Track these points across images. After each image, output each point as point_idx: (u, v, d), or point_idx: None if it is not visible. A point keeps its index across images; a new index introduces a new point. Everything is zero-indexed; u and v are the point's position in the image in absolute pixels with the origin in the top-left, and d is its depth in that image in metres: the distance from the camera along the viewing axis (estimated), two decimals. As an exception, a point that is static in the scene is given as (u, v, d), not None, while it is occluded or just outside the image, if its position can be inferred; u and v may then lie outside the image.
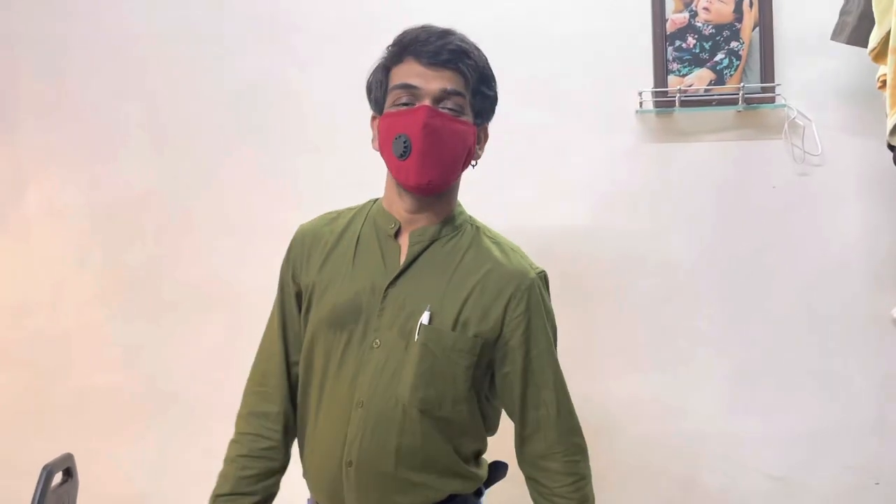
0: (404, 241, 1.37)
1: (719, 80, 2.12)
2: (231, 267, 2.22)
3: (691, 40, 2.13)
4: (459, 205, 1.44)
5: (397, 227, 1.38)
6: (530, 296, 1.34)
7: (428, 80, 1.29)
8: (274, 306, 1.47)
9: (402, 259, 1.35)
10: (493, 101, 1.38)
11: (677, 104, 2.11)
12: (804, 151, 2.13)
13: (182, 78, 2.25)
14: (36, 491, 1.65)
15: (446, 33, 1.32)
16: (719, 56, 2.12)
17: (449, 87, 1.29)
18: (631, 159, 2.18)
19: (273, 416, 1.41)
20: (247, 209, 2.23)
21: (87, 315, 2.28)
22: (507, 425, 1.48)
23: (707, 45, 2.13)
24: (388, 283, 1.33)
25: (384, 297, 1.33)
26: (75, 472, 1.81)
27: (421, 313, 1.30)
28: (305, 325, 1.40)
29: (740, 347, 2.16)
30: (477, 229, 1.41)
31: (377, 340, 1.32)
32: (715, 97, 2.12)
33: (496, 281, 1.34)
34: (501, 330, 1.33)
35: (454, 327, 1.30)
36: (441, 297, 1.32)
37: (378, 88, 1.37)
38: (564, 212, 2.17)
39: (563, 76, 2.18)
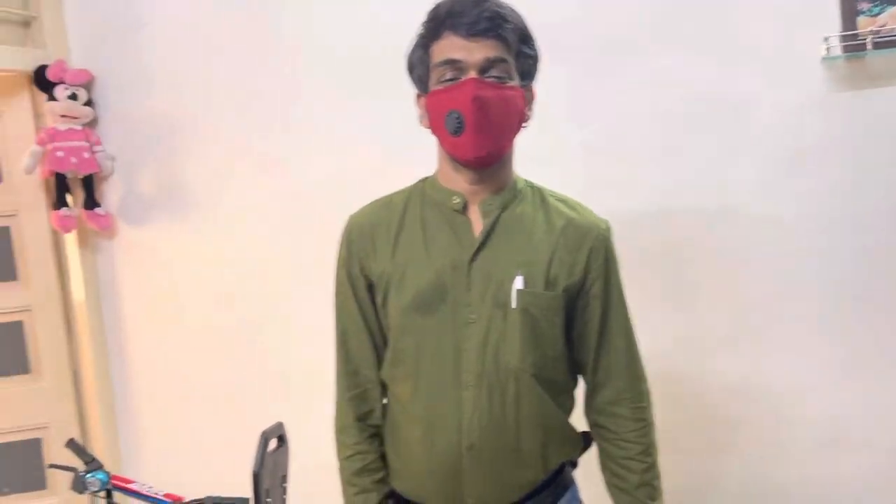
0: (473, 213, 1.36)
1: (918, 15, 1.93)
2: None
3: (882, -25, 1.96)
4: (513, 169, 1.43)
5: (463, 201, 1.36)
6: (607, 247, 1.39)
7: (471, 52, 1.26)
8: (339, 312, 1.47)
9: (475, 231, 1.35)
10: (535, 60, 1.36)
11: (869, 46, 1.95)
12: None
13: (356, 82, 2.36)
14: (257, 453, 1.83)
15: (478, 2, 1.27)
16: (917, -11, 1.93)
17: (492, 55, 1.27)
18: (819, 112, 2.04)
19: (377, 410, 1.47)
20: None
21: (282, 301, 2.46)
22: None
23: (901, -22, 1.94)
24: (469, 257, 1.33)
25: (469, 271, 1.32)
26: (287, 439, 1.99)
27: (511, 280, 1.31)
28: (385, 317, 1.40)
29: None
30: (539, 190, 1.42)
31: (472, 315, 1.31)
32: (914, 34, 1.93)
33: (574, 235, 1.36)
34: (584, 281, 1.36)
35: (546, 287, 1.32)
36: (527, 260, 1.33)
37: (420, 66, 1.34)
38: (744, 172, 2.07)
39: (737, 24, 2.06)
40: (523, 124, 1.37)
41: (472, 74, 1.26)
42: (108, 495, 1.93)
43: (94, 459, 1.94)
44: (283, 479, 1.99)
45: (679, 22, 2.09)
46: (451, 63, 1.27)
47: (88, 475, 1.90)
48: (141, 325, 2.57)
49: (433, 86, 1.31)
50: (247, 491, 1.81)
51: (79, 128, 2.45)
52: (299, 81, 2.38)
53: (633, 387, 1.40)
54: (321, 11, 2.33)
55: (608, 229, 1.41)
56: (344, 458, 1.51)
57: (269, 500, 1.87)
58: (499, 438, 1.31)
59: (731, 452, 2.14)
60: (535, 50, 1.36)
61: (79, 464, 1.94)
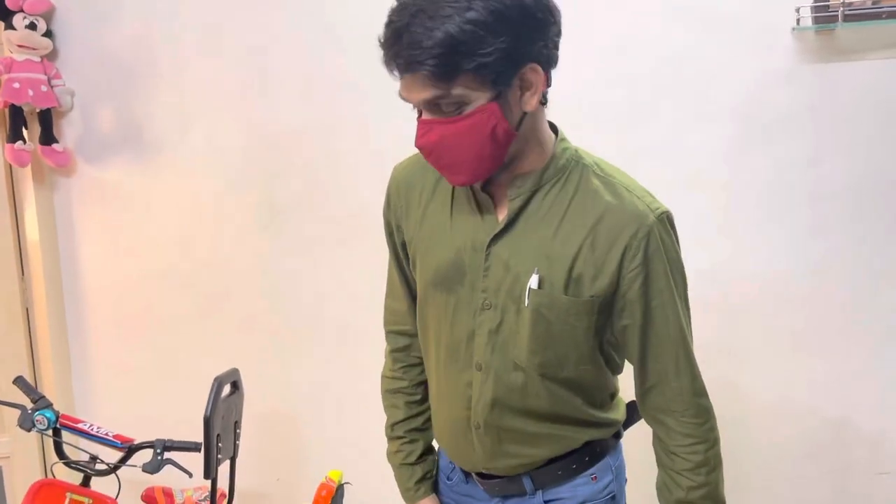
0: (501, 192, 1.22)
1: (890, -10, 1.93)
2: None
3: (859, -52, 1.95)
4: (562, 140, 1.23)
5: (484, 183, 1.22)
6: (648, 242, 1.15)
7: (410, 92, 1.10)
8: (388, 245, 1.40)
9: (500, 214, 1.22)
10: (502, 58, 1.06)
11: (840, 19, 1.96)
12: None
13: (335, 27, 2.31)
14: (209, 398, 1.83)
15: (397, 35, 1.06)
16: (891, -36, 1.93)
17: (428, 95, 1.07)
18: (787, 82, 2.05)
19: (415, 347, 1.42)
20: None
21: (246, 245, 2.45)
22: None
23: (877, -47, 1.94)
24: (488, 240, 1.21)
25: (487, 255, 1.21)
26: (241, 385, 1.99)
27: (528, 276, 1.18)
28: (415, 279, 1.35)
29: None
30: (584, 168, 1.21)
31: (487, 301, 1.23)
32: (885, 9, 1.94)
33: (608, 230, 1.16)
34: (618, 284, 1.18)
35: (566, 289, 1.18)
36: (548, 256, 1.18)
37: None
38: (712, 141, 2.09)
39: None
40: (516, 129, 1.14)
41: (425, 114, 1.12)
42: (57, 434, 1.92)
43: (42, 397, 1.92)
44: (237, 424, 1.99)
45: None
46: (405, 100, 1.13)
47: (36, 413, 1.88)
48: (98, 266, 2.52)
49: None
50: (201, 435, 1.81)
51: (37, 59, 2.36)
52: (272, 21, 2.32)
53: (682, 400, 1.23)
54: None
55: (659, 221, 1.16)
56: (382, 379, 1.49)
57: (220, 444, 1.87)
58: (505, 423, 1.27)
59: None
60: (495, 46, 1.05)
61: (27, 402, 1.93)
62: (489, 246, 1.21)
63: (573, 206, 1.18)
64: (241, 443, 2.02)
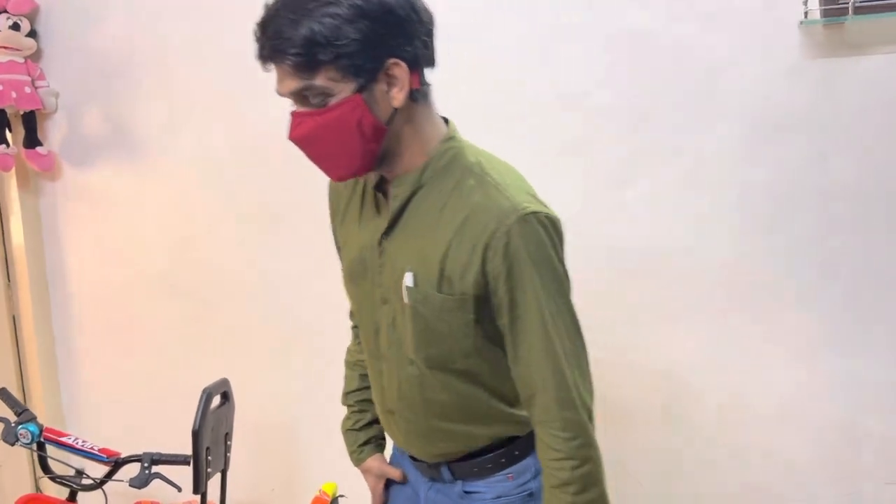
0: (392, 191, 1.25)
1: (902, -18, 1.87)
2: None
3: (868, -62, 1.89)
4: (449, 139, 1.23)
5: (378, 176, 1.26)
6: (509, 242, 1.13)
7: (280, 84, 1.15)
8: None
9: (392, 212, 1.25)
10: (360, 50, 1.09)
11: (850, 12, 1.89)
12: None
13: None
14: (197, 410, 1.77)
15: (263, 28, 1.13)
16: (902, -46, 1.87)
17: (294, 87, 1.12)
18: (793, 78, 1.98)
19: None
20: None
21: (237, 250, 2.38)
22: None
23: (887, -57, 1.88)
24: (378, 238, 1.25)
25: (381, 253, 1.25)
26: (231, 396, 1.92)
27: (404, 273, 1.22)
28: None
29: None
30: (464, 167, 1.20)
31: (384, 297, 1.27)
32: (896, 2, 1.88)
33: (472, 229, 1.15)
34: (487, 282, 1.16)
35: (439, 287, 1.18)
36: (423, 255, 1.20)
37: None
38: (715, 138, 2.02)
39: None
40: (383, 122, 1.15)
41: (295, 107, 1.16)
42: (41, 448, 1.85)
43: (25, 410, 1.86)
44: (227, 436, 1.93)
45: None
46: (279, 94, 1.17)
47: (20, 427, 1.82)
48: (85, 272, 2.46)
49: None
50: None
51: (20, 60, 2.30)
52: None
53: (549, 411, 1.18)
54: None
55: (523, 220, 1.13)
56: (346, 351, 1.59)
57: (209, 458, 1.81)
58: (411, 413, 1.30)
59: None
60: (349, 38, 1.08)
61: (11, 415, 1.86)
62: (381, 244, 1.26)
63: (448, 205, 1.19)
64: (234, 454, 1.95)
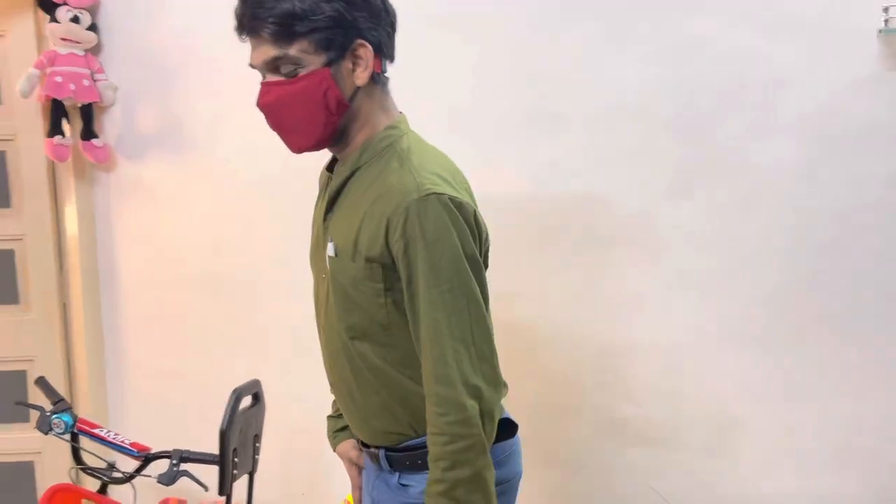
0: None
1: None
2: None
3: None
4: (393, 127, 1.31)
5: (331, 160, 1.39)
6: (406, 218, 1.19)
7: (253, 57, 1.25)
8: None
9: None
10: (333, 26, 1.20)
11: (936, 21, 1.74)
12: None
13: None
14: (226, 410, 1.75)
15: (244, 1, 1.23)
16: None
17: (268, 56, 1.22)
18: (870, 90, 1.84)
19: None
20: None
21: (278, 249, 2.37)
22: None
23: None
24: (322, 217, 1.35)
25: (325, 230, 1.34)
26: (262, 398, 1.90)
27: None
28: None
29: None
30: (394, 152, 1.28)
31: (323, 273, 1.36)
32: None
33: (381, 204, 1.24)
34: (391, 255, 1.23)
35: (353, 258, 1.26)
36: (344, 229, 1.29)
37: None
38: (775, 153, 1.89)
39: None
40: (348, 97, 1.26)
41: (267, 77, 1.25)
42: (74, 438, 1.86)
43: (61, 400, 1.87)
44: (256, 438, 1.91)
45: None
46: (252, 66, 1.27)
47: (54, 416, 1.84)
48: (135, 263, 2.48)
49: None
50: (216, 448, 1.73)
51: (80, 53, 2.34)
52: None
53: (430, 387, 1.21)
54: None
55: (422, 199, 1.19)
56: None
57: (236, 459, 1.79)
58: (343, 384, 1.36)
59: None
60: (324, 14, 1.19)
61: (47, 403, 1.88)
62: (325, 221, 1.34)
63: (372, 185, 1.27)
64: (265, 456, 1.93)
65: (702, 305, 1.92)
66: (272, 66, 1.23)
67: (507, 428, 1.38)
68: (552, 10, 2.02)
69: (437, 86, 2.07)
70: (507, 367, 2.03)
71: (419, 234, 1.19)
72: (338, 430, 1.56)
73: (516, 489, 1.42)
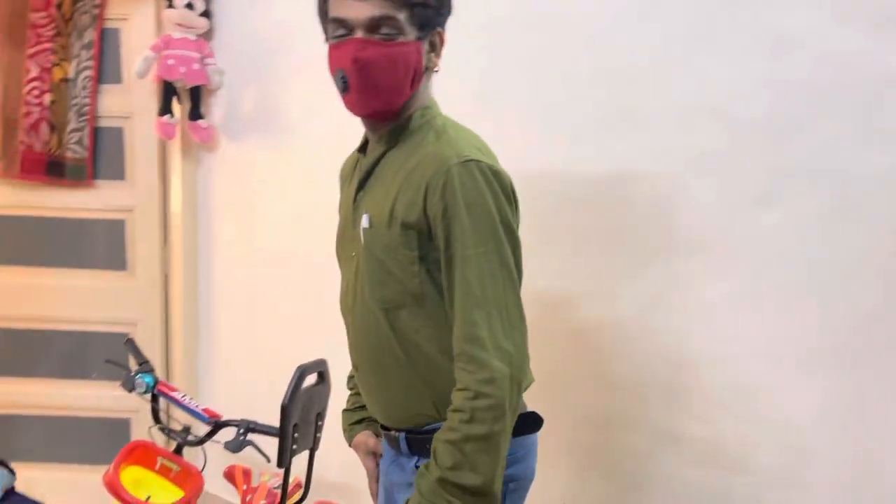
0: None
1: None
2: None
3: None
4: (428, 108, 1.36)
5: (364, 141, 1.41)
6: (447, 181, 1.22)
7: (356, 10, 1.24)
8: None
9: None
10: (438, 8, 1.30)
11: None
12: None
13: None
14: (289, 386, 1.80)
15: None
16: None
17: (378, 13, 1.24)
18: None
19: None
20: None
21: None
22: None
23: None
24: (353, 196, 1.38)
25: (355, 208, 1.37)
26: (328, 377, 1.94)
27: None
28: None
29: None
30: (431, 127, 1.32)
31: (353, 251, 1.37)
32: None
33: (419, 172, 1.26)
34: (427, 220, 1.25)
35: (390, 225, 1.28)
36: (380, 199, 1.31)
37: (322, 17, 1.35)
38: (874, 162, 1.71)
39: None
40: (423, 75, 1.33)
41: (359, 34, 1.25)
42: (154, 399, 1.98)
43: (146, 362, 1.99)
44: (319, 416, 1.95)
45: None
46: (340, 21, 1.27)
47: (138, 376, 1.96)
48: (231, 240, 2.61)
49: (328, 40, 1.33)
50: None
51: (192, 38, 2.48)
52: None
53: (459, 346, 1.22)
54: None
55: (461, 165, 1.23)
56: None
57: (296, 435, 1.84)
58: (368, 368, 1.38)
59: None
60: None
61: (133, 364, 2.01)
62: (356, 200, 1.38)
63: (409, 158, 1.30)
64: (329, 435, 1.98)
65: (782, 324, 1.79)
66: (374, 24, 1.25)
67: (532, 422, 1.37)
68: (633, 5, 1.94)
69: (519, 86, 2.04)
70: (569, 370, 2.00)
71: (459, 197, 1.22)
72: (353, 422, 1.58)
73: (527, 491, 1.40)
